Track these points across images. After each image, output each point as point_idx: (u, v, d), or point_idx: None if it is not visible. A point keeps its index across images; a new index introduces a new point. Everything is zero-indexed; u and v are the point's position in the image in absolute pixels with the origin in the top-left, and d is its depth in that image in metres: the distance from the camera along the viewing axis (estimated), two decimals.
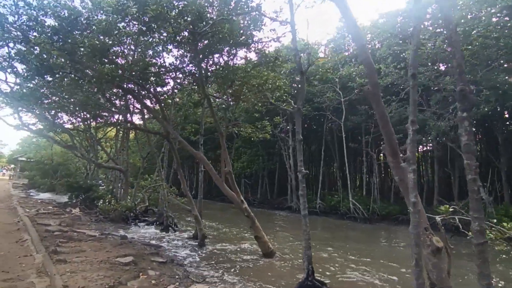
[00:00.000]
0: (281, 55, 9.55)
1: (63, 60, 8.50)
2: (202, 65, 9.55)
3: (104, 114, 22.01)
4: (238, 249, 11.51)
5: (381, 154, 29.94)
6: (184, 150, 36.27)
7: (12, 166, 59.62)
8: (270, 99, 9.12)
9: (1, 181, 41.91)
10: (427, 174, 30.50)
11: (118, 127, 18.95)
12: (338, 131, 27.09)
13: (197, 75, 9.72)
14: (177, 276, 6.85)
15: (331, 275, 8.85)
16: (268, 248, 10.15)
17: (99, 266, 6.51)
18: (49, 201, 20.36)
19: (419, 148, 29.51)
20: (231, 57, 9.36)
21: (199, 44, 8.33)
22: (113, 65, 8.41)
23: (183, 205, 11.29)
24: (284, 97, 10.14)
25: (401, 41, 21.88)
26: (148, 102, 16.03)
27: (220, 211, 26.23)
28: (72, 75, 9.64)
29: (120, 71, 8.61)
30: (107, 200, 19.01)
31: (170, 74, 10.16)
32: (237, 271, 8.50)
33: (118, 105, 20.59)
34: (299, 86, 10.55)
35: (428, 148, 29.42)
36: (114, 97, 19.40)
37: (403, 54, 20.83)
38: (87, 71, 9.19)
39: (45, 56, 7.24)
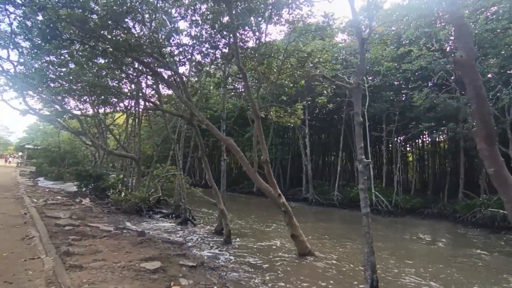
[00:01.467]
0: (333, 18, 8.11)
1: (73, 29, 7.17)
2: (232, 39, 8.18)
3: (113, 99, 20.80)
4: (268, 246, 10.32)
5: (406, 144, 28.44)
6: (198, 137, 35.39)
7: (20, 153, 59.17)
8: (321, 73, 7.70)
9: (8, 168, 41.25)
10: (451, 165, 28.89)
11: (137, 108, 17.59)
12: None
13: (224, 48, 8.35)
14: (215, 287, 5.63)
15: (385, 282, 7.60)
16: (306, 248, 8.93)
17: (122, 275, 5.31)
18: (58, 190, 19.35)
19: (441, 138, 27.92)
20: (272, 23, 7.95)
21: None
22: (130, 35, 7.10)
23: (207, 198, 10.09)
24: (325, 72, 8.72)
25: (432, 22, 20.11)
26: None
27: (238, 203, 25.10)
28: (82, 45, 8.31)
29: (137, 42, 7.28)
30: (118, 190, 17.98)
31: (197, 47, 8.79)
32: (278, 275, 7.29)
33: (129, 89, 19.32)
34: (358, 57, 9.33)
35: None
36: (125, 80, 18.12)
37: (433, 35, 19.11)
38: (99, 44, 7.87)
39: (52, 19, 5.97)
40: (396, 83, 23.17)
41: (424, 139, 30.16)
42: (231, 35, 8.12)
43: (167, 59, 8.40)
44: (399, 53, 21.03)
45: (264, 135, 31.75)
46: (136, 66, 12.24)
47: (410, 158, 32.16)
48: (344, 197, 26.39)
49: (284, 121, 10.83)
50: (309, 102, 21.91)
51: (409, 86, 19.84)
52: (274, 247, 10.28)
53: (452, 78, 18.39)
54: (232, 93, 31.52)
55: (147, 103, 14.63)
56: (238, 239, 10.68)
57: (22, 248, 6.66)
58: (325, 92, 9.50)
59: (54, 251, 6.40)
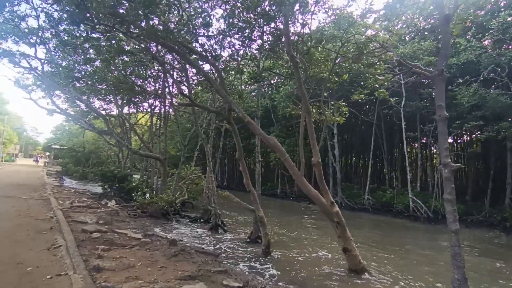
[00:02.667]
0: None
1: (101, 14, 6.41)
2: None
3: (139, 98, 20.34)
4: (313, 260, 9.24)
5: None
6: (220, 134, 34.56)
7: (47, 153, 60.84)
8: (396, 57, 6.55)
9: (37, 168, 42.16)
10: (494, 168, 26.59)
11: (163, 107, 16.93)
12: (393, 118, 23.96)
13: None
14: None
15: None
16: (359, 264, 7.79)
17: None
18: (83, 191, 19.05)
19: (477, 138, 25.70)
20: None
21: None
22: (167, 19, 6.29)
23: (245, 204, 9.14)
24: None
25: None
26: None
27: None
28: (112, 31, 7.57)
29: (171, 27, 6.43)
30: (144, 192, 17.41)
31: (232, 37, 7.87)
32: None
33: (154, 87, 18.76)
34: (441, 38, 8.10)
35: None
36: (150, 79, 17.55)
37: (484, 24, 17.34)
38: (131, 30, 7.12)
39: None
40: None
41: (460, 140, 28.01)
42: (277, 20, 7.15)
43: (205, 49, 7.56)
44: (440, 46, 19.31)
45: (284, 137, 30.45)
46: (165, 60, 11.49)
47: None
48: (376, 201, 24.84)
49: (330, 120, 9.72)
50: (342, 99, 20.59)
51: (455, 82, 18.07)
52: (320, 260, 9.18)
53: (506, 72, 16.59)
54: (253, 92, 30.41)
55: (176, 99, 13.85)
56: (276, 250, 9.65)
57: (48, 260, 5.92)
58: (385, 83, 8.32)
59: (83, 266, 5.61)
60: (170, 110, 18.14)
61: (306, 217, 20.53)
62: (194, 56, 8.15)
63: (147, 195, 17.36)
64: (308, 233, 13.98)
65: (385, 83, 8.14)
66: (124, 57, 14.39)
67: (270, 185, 36.04)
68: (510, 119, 17.99)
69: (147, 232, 10.09)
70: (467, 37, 17.90)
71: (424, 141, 24.92)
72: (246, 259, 8.64)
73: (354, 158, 34.70)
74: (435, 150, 27.14)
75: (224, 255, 8.66)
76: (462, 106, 20.24)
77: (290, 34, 7.54)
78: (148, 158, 22.67)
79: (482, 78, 16.54)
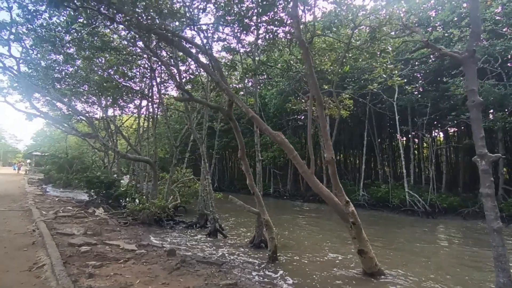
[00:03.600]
0: None
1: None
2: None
3: (125, 99, 19.34)
4: (323, 263, 8.66)
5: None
6: (209, 136, 33.62)
7: (29, 161, 58.19)
8: (423, 38, 5.99)
9: (17, 176, 40.02)
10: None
11: (151, 108, 15.99)
12: (384, 112, 23.74)
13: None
14: None
15: None
16: (375, 266, 7.25)
17: None
18: (67, 199, 17.89)
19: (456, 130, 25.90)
20: None
21: None
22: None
23: (248, 207, 8.44)
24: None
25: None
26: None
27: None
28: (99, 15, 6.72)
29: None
30: (133, 198, 16.47)
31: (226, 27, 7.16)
32: None
33: (140, 87, 17.80)
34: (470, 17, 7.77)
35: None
36: (136, 77, 16.60)
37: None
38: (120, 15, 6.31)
39: None
40: (427, 71, 21.28)
41: (446, 132, 28.16)
42: (277, 7, 6.52)
43: (195, 44, 6.84)
44: (432, 38, 19.16)
45: (279, 131, 29.88)
46: (154, 56, 10.65)
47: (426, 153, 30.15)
48: (371, 196, 24.59)
49: (333, 113, 9.15)
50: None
51: (447, 74, 17.91)
52: (331, 263, 8.61)
53: (499, 62, 16.53)
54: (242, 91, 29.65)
55: (165, 97, 12.98)
56: (282, 253, 9.01)
57: (30, 284, 5.08)
58: (393, 73, 7.79)
59: None
60: (159, 110, 17.21)
61: (302, 217, 19.99)
62: (188, 45, 7.41)
63: (137, 200, 16.44)
64: (308, 233, 13.42)
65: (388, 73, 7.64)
66: (107, 55, 13.47)
67: (263, 185, 35.38)
68: (506, 110, 17.95)
69: (141, 242, 9.26)
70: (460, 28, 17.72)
71: (413, 133, 24.82)
72: (253, 267, 7.96)
73: (345, 154, 34.48)
74: (425, 144, 27.24)
75: (229, 263, 7.94)
76: (455, 97, 20.20)
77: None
78: (136, 162, 21.67)
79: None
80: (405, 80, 8.50)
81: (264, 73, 12.05)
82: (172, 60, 10.79)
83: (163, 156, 27.87)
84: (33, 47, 12.62)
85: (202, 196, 13.22)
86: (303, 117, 27.77)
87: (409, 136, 25.18)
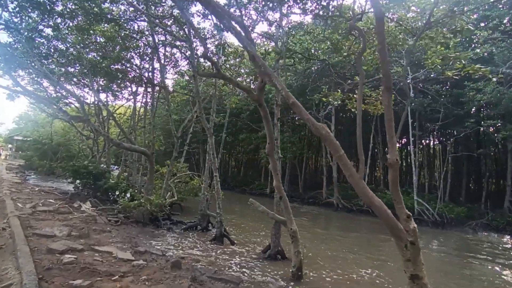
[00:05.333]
0: None
1: None
2: None
3: (119, 82, 17.58)
4: (356, 282, 7.32)
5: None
6: (200, 133, 31.93)
7: (10, 145, 55.11)
8: None
9: None
10: (490, 170, 26.07)
11: (150, 92, 14.37)
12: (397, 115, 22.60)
13: None
14: None
15: None
16: None
17: None
18: (50, 190, 16.02)
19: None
20: None
21: None
22: None
23: (272, 214, 6.99)
24: None
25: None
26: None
27: (242, 206, 21.81)
28: None
29: None
30: (125, 191, 14.83)
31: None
32: None
33: (138, 70, 16.08)
34: None
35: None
36: (135, 56, 14.86)
37: None
38: None
39: None
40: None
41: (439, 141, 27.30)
42: None
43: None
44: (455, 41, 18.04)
45: (281, 131, 28.30)
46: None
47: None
48: None
49: (371, 108, 7.79)
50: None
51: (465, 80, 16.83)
52: (367, 284, 7.27)
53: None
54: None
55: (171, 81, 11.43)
56: (306, 267, 7.61)
57: None
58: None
59: None
60: (159, 95, 15.52)
61: (305, 219, 18.67)
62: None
63: (128, 195, 14.80)
64: (320, 242, 12.08)
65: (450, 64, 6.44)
66: (105, 26, 11.77)
67: (258, 184, 34.01)
68: None
69: (137, 248, 7.71)
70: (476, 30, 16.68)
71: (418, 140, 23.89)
72: (275, 287, 6.52)
73: (351, 157, 33.31)
74: (431, 151, 26.32)
75: (247, 282, 6.49)
76: (468, 105, 19.26)
77: None
78: (129, 153, 19.94)
79: (502, 75, 15.27)
80: (489, 68, 7.11)
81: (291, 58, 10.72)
82: (186, 33, 9.22)
83: (157, 148, 26.09)
84: (17, 12, 10.80)
85: (205, 195, 11.71)
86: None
87: (416, 142, 24.21)
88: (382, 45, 4.37)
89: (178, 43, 11.70)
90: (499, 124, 16.48)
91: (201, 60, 12.47)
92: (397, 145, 27.37)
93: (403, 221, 5.44)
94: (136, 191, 15.11)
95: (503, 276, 9.64)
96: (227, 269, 7.52)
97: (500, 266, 10.89)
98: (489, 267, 10.80)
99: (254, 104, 30.84)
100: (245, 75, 17.17)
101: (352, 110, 8.61)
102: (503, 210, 20.80)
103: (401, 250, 5.74)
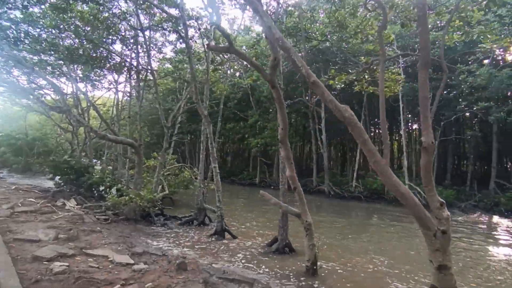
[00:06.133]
0: None
1: None
2: None
3: (98, 72, 16.35)
4: (375, 273, 6.98)
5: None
6: (193, 119, 30.74)
7: None
8: None
9: None
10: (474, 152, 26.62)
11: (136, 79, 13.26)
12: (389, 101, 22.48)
13: None
14: None
15: None
16: (452, 286, 5.58)
17: None
18: (28, 188, 14.81)
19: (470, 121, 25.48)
20: None
21: None
22: None
23: (286, 206, 6.45)
24: None
25: None
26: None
27: (233, 198, 21.37)
28: None
29: None
30: (110, 186, 13.90)
31: None
32: None
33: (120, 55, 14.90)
34: None
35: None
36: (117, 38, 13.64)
37: None
38: None
39: None
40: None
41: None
42: None
43: None
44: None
45: (268, 120, 27.52)
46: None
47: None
48: (365, 188, 23.54)
49: (388, 91, 7.30)
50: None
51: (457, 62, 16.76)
52: (387, 273, 6.95)
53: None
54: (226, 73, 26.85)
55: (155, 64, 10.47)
56: (321, 264, 7.17)
57: None
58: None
59: None
60: (146, 82, 14.45)
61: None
62: None
63: (113, 190, 13.88)
64: (319, 230, 11.70)
65: None
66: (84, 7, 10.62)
67: (247, 174, 33.50)
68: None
69: (134, 249, 7.01)
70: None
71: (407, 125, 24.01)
72: (291, 283, 6.05)
73: (341, 144, 33.22)
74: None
75: (260, 280, 5.96)
76: (459, 88, 19.34)
77: None
78: (112, 146, 18.83)
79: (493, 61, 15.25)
80: None
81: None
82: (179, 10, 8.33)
83: (144, 140, 24.88)
84: None
85: (201, 188, 11.02)
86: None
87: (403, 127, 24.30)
88: (423, 12, 3.83)
89: (165, 25, 10.74)
90: (491, 106, 16.53)
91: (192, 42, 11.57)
92: (404, 129, 27.43)
93: (435, 209, 5.05)
94: (124, 186, 14.21)
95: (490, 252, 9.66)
96: (234, 265, 6.98)
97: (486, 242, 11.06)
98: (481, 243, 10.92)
99: (242, 92, 30.15)
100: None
101: (362, 92, 8.08)
102: (489, 192, 21.32)
103: (429, 240, 5.37)
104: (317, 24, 11.22)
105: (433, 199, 4.98)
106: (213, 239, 9.20)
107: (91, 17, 11.31)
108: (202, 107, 9.46)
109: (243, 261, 7.45)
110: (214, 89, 15.92)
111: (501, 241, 11.80)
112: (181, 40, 11.31)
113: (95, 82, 19.20)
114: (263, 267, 7.10)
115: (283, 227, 8.01)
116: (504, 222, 16.47)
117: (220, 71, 17.38)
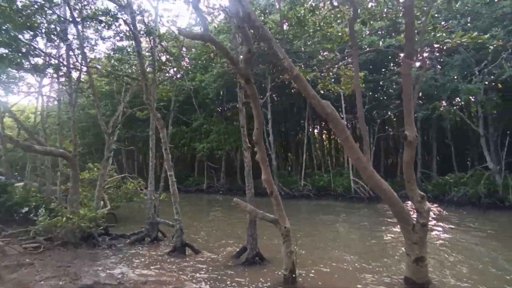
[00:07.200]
0: None
1: None
2: None
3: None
4: (350, 272, 6.89)
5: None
6: (130, 125, 28.22)
7: None
8: None
9: None
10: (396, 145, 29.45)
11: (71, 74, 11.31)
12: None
13: None
14: None
15: None
16: (426, 276, 5.78)
17: None
18: None
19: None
20: None
21: None
22: None
23: (262, 213, 5.86)
24: None
25: None
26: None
27: (188, 207, 20.30)
28: None
29: None
30: (37, 206, 11.79)
31: None
32: None
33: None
34: None
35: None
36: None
37: None
38: None
39: None
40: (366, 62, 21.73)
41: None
42: None
43: None
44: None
45: (210, 124, 26.65)
46: None
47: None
48: (313, 186, 24.31)
49: (344, 87, 7.30)
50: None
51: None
52: (360, 272, 6.89)
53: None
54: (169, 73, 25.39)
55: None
56: (279, 264, 6.85)
57: None
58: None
59: None
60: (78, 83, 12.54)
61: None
62: None
63: (41, 210, 11.78)
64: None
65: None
66: None
67: (193, 180, 32.13)
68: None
69: (81, 282, 5.81)
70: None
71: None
72: None
73: (287, 144, 33.77)
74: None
75: None
76: (388, 88, 21.31)
77: None
78: (38, 158, 16.11)
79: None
80: (488, 35, 7.15)
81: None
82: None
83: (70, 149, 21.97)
84: None
85: (152, 200, 9.90)
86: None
87: (347, 125, 25.85)
88: (410, 3, 3.74)
89: (103, 18, 9.35)
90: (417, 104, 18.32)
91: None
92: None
93: (417, 203, 5.09)
94: (58, 205, 12.12)
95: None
96: (203, 285, 6.25)
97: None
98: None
99: (184, 94, 28.74)
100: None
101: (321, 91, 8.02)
102: (416, 181, 23.71)
103: (407, 234, 5.43)
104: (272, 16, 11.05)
105: (415, 193, 5.03)
106: (172, 256, 8.24)
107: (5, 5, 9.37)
108: (154, 108, 8.44)
109: (210, 277, 6.73)
110: (158, 91, 14.71)
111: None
112: (122, 35, 9.99)
113: (10, 85, 16.27)
114: (235, 281, 6.51)
115: (252, 235, 7.51)
116: (432, 208, 18.41)
117: (165, 71, 16.16)
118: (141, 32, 10.98)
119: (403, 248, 8.62)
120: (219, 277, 6.79)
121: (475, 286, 6.12)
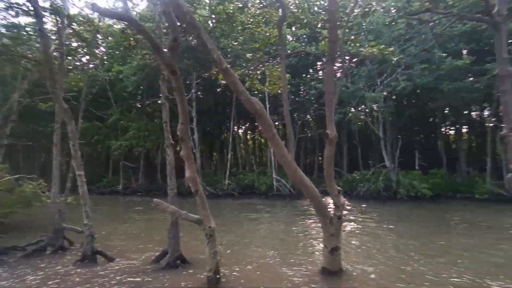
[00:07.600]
0: None
1: None
2: None
3: None
4: (272, 267, 7.07)
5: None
6: (29, 118, 24.05)
7: None
8: None
9: None
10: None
11: None
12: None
13: None
14: None
15: None
16: (339, 264, 6.36)
17: None
18: None
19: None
20: None
21: None
22: None
23: (185, 213, 5.50)
24: None
25: None
26: None
27: (101, 210, 18.53)
28: None
29: None
30: None
31: None
32: None
33: None
34: None
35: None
36: None
37: None
38: None
39: None
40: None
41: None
42: None
43: None
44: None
45: (127, 121, 24.81)
46: None
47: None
48: (237, 185, 24.60)
49: (270, 87, 7.48)
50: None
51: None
52: (282, 266, 7.11)
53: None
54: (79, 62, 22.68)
55: None
56: (202, 266, 6.73)
57: None
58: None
59: None
60: None
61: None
62: None
63: None
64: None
65: None
66: None
67: (108, 181, 29.30)
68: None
69: None
70: None
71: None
72: None
73: (212, 143, 33.29)
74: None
75: None
76: (309, 93, 23.03)
77: None
78: None
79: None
80: (392, 49, 7.90)
81: None
82: None
83: None
84: None
85: (57, 204, 8.58)
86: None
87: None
88: (333, 8, 3.99)
89: None
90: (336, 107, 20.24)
91: None
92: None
93: (334, 197, 5.48)
94: None
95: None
96: None
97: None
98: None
99: (98, 86, 25.87)
100: None
101: (252, 89, 8.10)
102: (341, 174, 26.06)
103: (325, 227, 5.83)
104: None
105: (333, 187, 5.43)
106: (80, 267, 7.26)
107: None
108: (61, 98, 7.28)
109: (124, 286, 6.14)
110: (67, 80, 12.86)
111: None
112: (17, 9, 8.35)
113: None
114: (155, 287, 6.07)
115: (175, 237, 7.12)
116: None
117: (76, 58, 14.20)
118: (46, 11, 9.46)
119: (317, 241, 9.42)
120: (134, 285, 6.24)
121: (379, 266, 6.96)
